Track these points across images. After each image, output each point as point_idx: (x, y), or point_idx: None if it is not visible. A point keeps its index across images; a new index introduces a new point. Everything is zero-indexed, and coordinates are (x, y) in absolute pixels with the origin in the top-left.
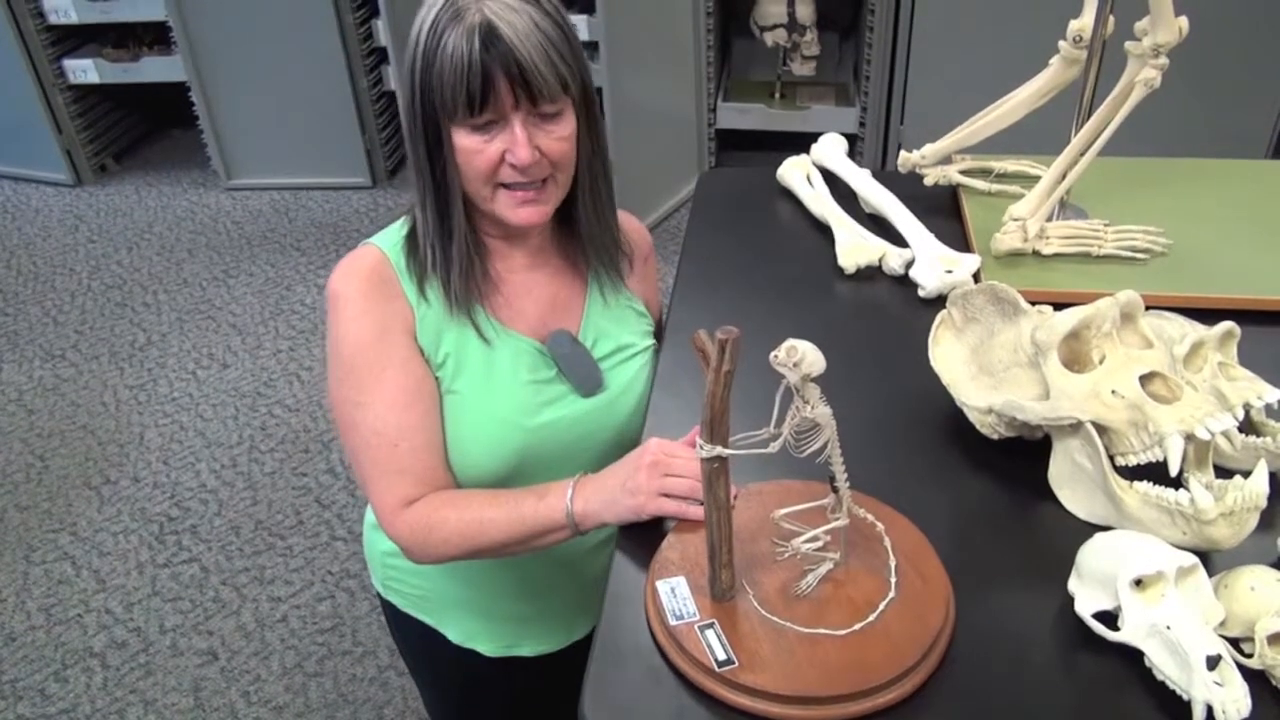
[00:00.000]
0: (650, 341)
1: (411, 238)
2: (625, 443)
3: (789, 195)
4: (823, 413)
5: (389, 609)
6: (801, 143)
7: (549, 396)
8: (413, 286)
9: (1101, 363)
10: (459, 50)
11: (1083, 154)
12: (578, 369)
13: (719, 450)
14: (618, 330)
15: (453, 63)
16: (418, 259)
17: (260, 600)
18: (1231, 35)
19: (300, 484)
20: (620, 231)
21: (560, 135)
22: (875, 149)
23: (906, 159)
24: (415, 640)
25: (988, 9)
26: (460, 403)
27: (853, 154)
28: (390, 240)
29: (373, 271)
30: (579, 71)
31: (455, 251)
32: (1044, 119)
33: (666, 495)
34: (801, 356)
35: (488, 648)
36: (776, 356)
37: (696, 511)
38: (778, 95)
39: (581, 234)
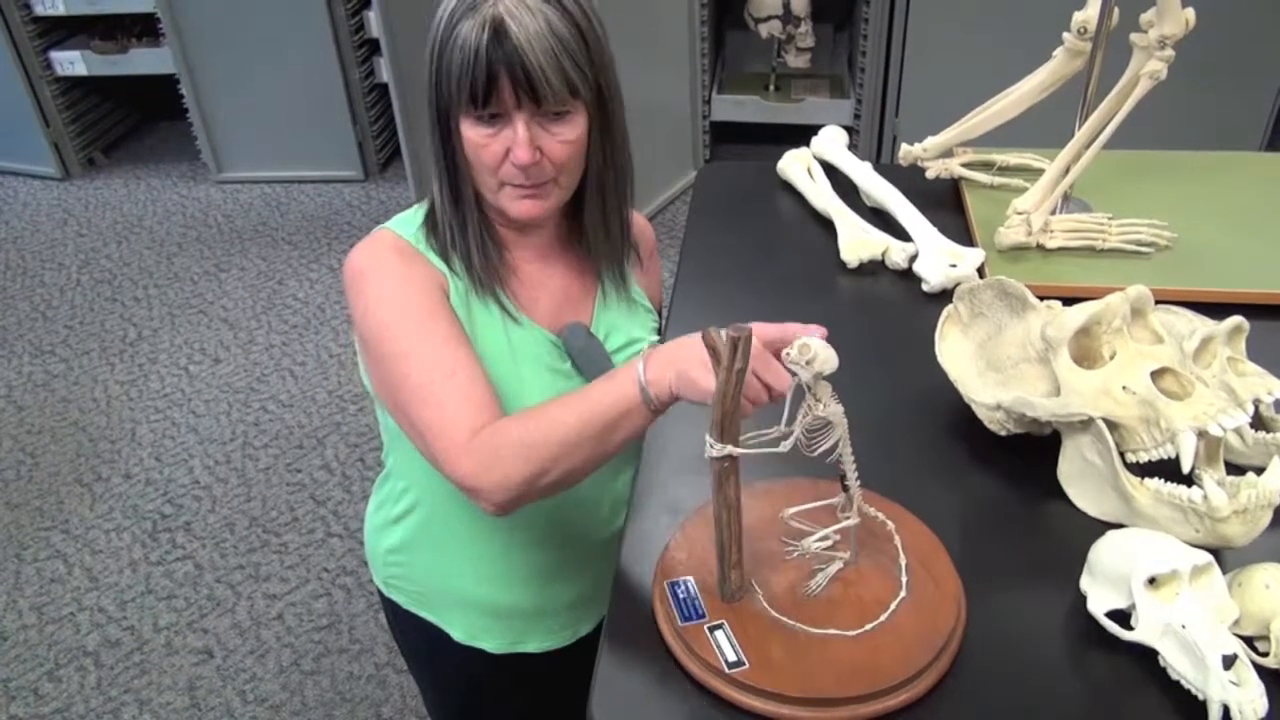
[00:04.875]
0: (656, 338)
1: (430, 218)
2: None
3: (789, 189)
4: (835, 411)
5: (391, 608)
6: (796, 135)
7: (565, 388)
8: (440, 262)
9: (1112, 359)
10: (468, 43)
11: (1087, 147)
12: (592, 362)
13: (730, 449)
14: (627, 324)
15: (461, 54)
16: (438, 237)
17: (255, 598)
18: (1224, 26)
19: (295, 480)
20: (631, 240)
21: (566, 138)
22: (870, 141)
23: (908, 152)
24: (418, 639)
25: (984, 0)
26: None
27: (848, 147)
28: (406, 225)
29: (395, 245)
30: (594, 76)
31: (471, 237)
32: (1046, 112)
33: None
34: (814, 355)
35: (492, 645)
36: (789, 354)
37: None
38: (772, 87)
39: (588, 237)
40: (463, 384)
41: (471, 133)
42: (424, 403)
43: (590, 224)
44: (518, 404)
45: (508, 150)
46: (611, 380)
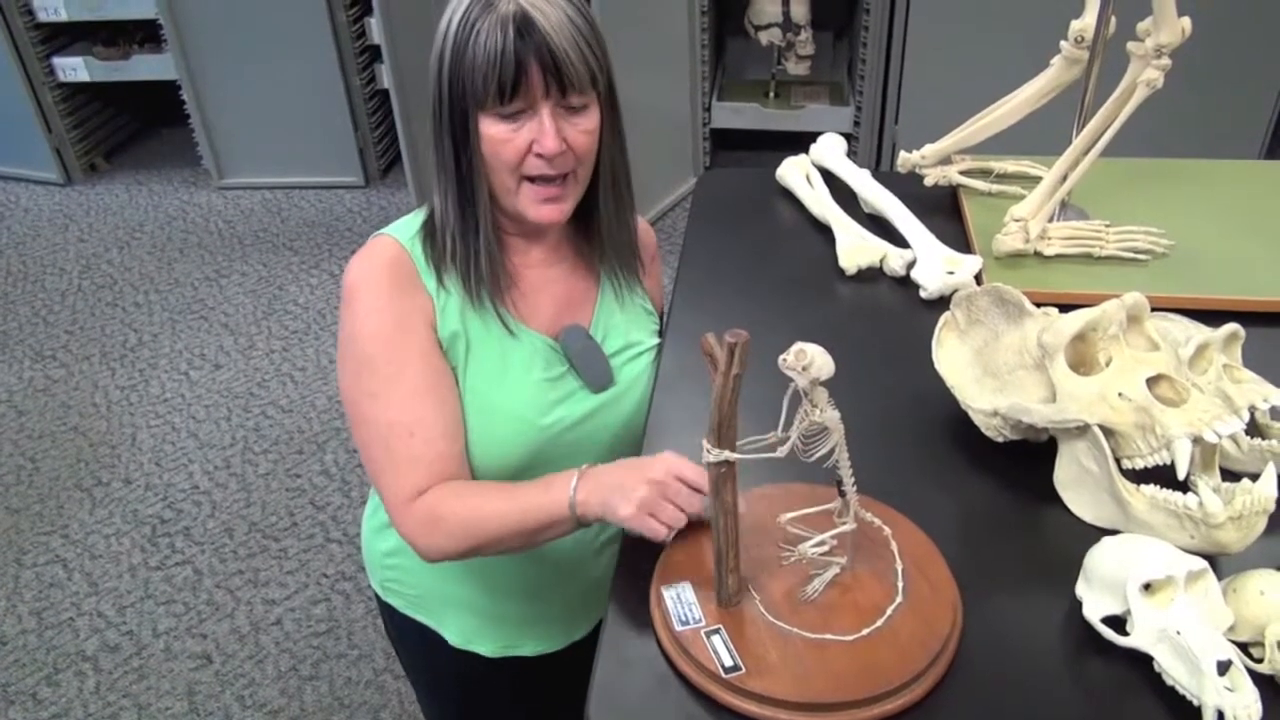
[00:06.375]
0: (656, 340)
1: (428, 227)
2: (628, 439)
3: (788, 196)
4: (831, 416)
5: (387, 611)
6: (796, 142)
7: (560, 394)
8: (432, 277)
9: (1108, 365)
10: (493, 39)
11: (1084, 155)
12: (589, 364)
13: (726, 455)
14: (627, 327)
15: (486, 51)
16: (435, 249)
17: (254, 603)
18: (1223, 34)
19: (294, 485)
20: (637, 234)
21: (585, 128)
22: (870, 149)
23: (906, 159)
24: (414, 643)
25: (982, 8)
26: (474, 399)
27: (847, 154)
28: (405, 231)
29: (392, 263)
30: (606, 67)
31: (480, 244)
32: (1044, 119)
33: (654, 516)
34: (810, 360)
35: (487, 648)
36: (785, 360)
37: (661, 532)
38: (772, 95)
39: (601, 233)
40: (418, 446)
41: (494, 130)
42: (381, 450)
43: (605, 218)
44: (507, 413)
45: (530, 145)
46: (548, 491)
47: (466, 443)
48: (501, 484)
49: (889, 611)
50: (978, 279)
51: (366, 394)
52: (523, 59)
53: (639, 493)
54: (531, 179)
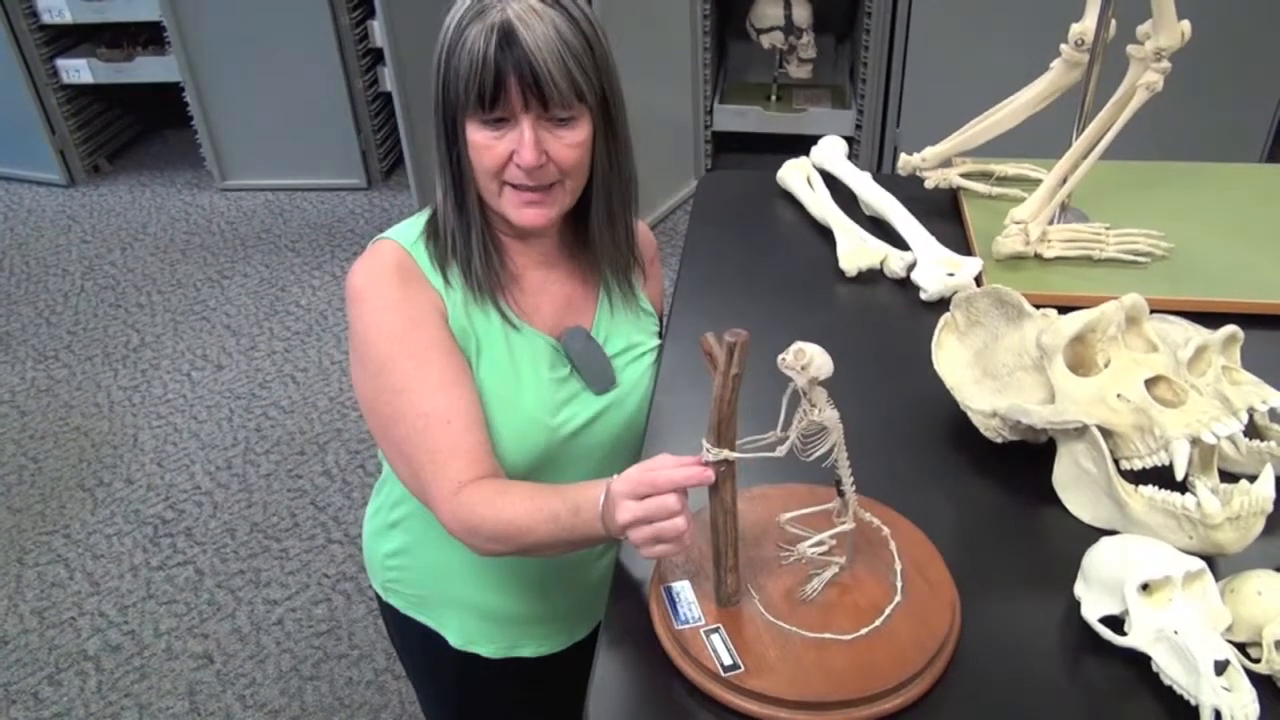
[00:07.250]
0: (657, 341)
1: (433, 224)
2: (631, 440)
3: (789, 198)
4: (830, 416)
5: (389, 612)
6: (798, 145)
7: (566, 395)
8: (437, 275)
9: (1106, 366)
10: (476, 47)
11: (1084, 157)
12: (592, 366)
13: (726, 454)
14: (628, 329)
15: (469, 58)
16: (439, 245)
17: (256, 603)
18: (1225, 38)
19: (296, 486)
20: (636, 248)
21: (571, 142)
22: (871, 152)
23: (907, 162)
24: (415, 643)
25: (984, 12)
26: (487, 396)
27: (849, 157)
28: (407, 234)
29: (396, 264)
30: (599, 82)
31: (473, 241)
32: (1044, 122)
33: (637, 521)
34: (809, 360)
35: (488, 649)
36: (784, 359)
37: (653, 545)
38: (774, 98)
39: (594, 245)
40: (456, 433)
41: (477, 135)
42: (418, 446)
43: (596, 230)
44: (515, 408)
45: (512, 153)
46: (579, 515)
47: None
48: (532, 492)
49: (888, 611)
50: (978, 281)
51: (392, 391)
52: (502, 71)
53: (634, 536)
54: (514, 185)
